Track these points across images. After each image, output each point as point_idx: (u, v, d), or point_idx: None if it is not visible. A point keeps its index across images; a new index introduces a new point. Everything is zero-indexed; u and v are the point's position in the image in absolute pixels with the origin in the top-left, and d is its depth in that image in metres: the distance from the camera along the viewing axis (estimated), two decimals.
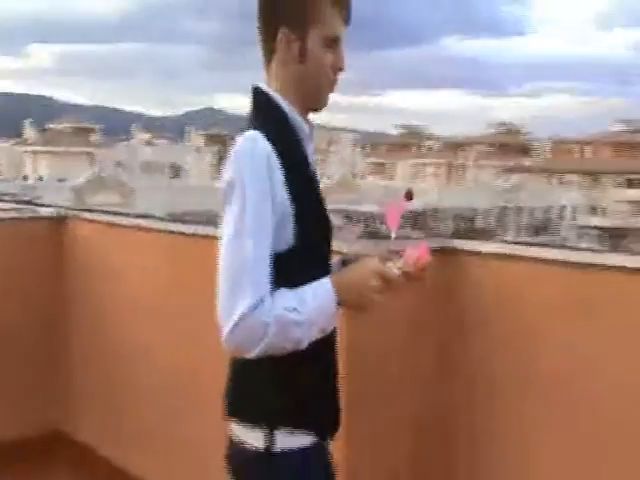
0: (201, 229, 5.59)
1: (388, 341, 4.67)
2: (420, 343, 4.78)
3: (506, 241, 7.37)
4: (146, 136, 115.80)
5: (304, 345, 2.48)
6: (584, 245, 55.32)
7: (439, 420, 4.76)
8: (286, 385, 2.60)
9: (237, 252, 2.42)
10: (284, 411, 2.60)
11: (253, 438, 2.58)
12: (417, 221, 61.53)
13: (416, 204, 62.71)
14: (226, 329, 2.40)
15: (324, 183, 72.57)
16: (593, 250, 5.56)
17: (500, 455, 4.58)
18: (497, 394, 4.59)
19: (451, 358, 4.77)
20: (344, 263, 2.76)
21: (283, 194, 2.48)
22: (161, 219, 7.27)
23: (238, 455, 2.66)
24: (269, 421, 2.58)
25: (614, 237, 66.95)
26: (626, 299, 4.09)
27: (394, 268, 2.59)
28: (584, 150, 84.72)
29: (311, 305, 2.46)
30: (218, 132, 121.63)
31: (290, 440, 2.59)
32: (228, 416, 2.69)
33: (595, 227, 71.03)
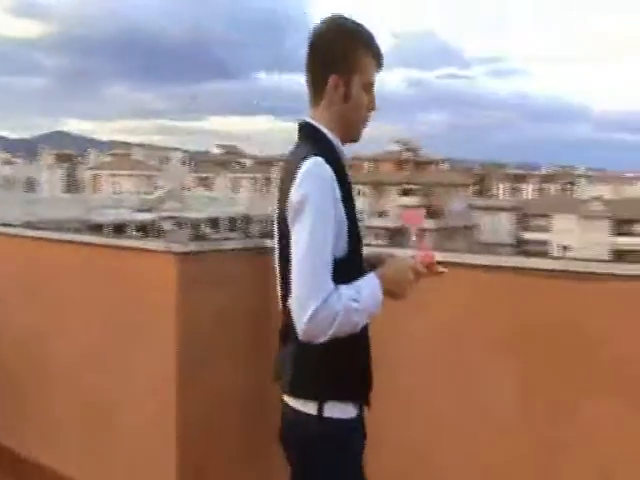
0: (56, 235, 5.74)
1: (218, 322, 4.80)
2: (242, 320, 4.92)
3: None
4: (4, 156, 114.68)
5: (359, 329, 2.58)
6: (372, 242, 58.62)
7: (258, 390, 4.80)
8: (336, 365, 2.67)
9: (309, 258, 2.51)
10: (332, 387, 2.69)
11: (307, 409, 2.67)
12: (235, 225, 63.73)
13: (235, 211, 64.45)
14: (302, 323, 2.49)
15: (156, 194, 73.39)
16: (380, 245, 5.60)
17: None
18: None
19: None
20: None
21: (341, 211, 2.60)
22: (17, 226, 7.03)
23: (298, 423, 2.73)
24: (320, 396, 2.67)
25: (394, 234, 71.27)
26: None
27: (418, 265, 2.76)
28: (372, 165, 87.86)
29: (365, 295, 2.56)
30: (66, 152, 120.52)
31: (337, 411, 2.68)
32: (288, 394, 2.75)
33: (379, 227, 75.27)
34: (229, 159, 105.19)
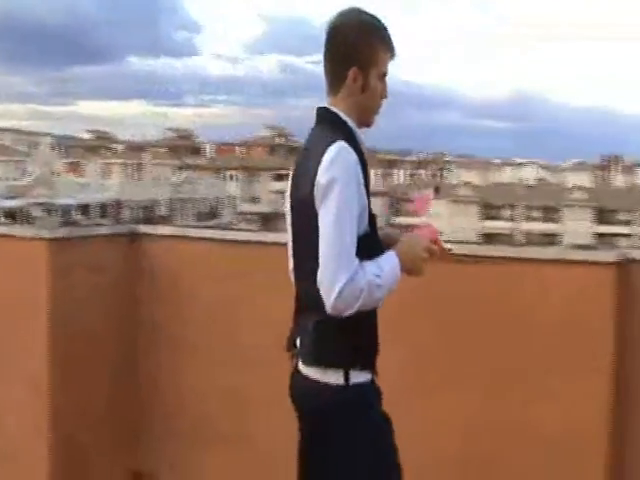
0: None
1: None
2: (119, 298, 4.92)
3: (182, 225, 7.32)
4: None
5: (380, 303, 2.79)
6: (244, 227, 58.75)
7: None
8: (355, 336, 2.82)
9: (336, 237, 2.67)
10: (355, 355, 2.83)
11: (333, 378, 2.80)
12: (106, 211, 62.48)
13: (106, 197, 63.18)
14: (332, 298, 2.65)
15: (25, 180, 71.16)
16: (253, 230, 5.97)
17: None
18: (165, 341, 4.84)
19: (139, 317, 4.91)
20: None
21: (363, 194, 2.77)
22: None
23: (318, 392, 2.85)
24: (345, 363, 2.81)
25: (267, 220, 71.52)
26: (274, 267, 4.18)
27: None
28: (244, 150, 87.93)
29: (387, 272, 2.74)
30: None
31: (359, 376, 2.83)
32: (308, 364, 2.87)
33: (252, 213, 75.35)
34: (100, 144, 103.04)
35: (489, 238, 75.16)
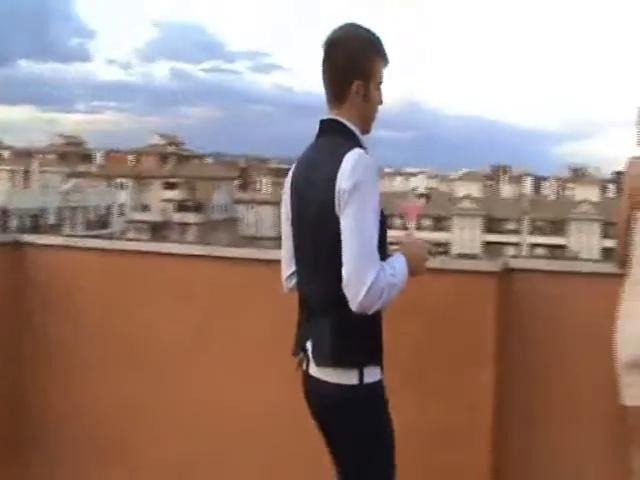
0: None
1: None
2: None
3: (69, 235, 7.87)
4: None
5: (392, 301, 2.90)
6: (131, 236, 57.95)
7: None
8: (368, 335, 2.98)
9: (361, 237, 2.80)
10: (368, 355, 2.98)
11: (348, 377, 2.92)
12: None
13: None
14: (360, 295, 2.76)
15: None
16: (141, 240, 5.98)
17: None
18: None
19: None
20: None
21: (379, 195, 2.93)
22: None
23: (334, 392, 2.95)
24: (361, 363, 2.94)
25: (156, 229, 70.77)
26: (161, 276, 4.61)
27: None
28: (134, 158, 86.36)
29: (399, 273, 2.89)
30: None
31: (372, 375, 2.97)
32: (322, 366, 2.96)
33: (142, 221, 74.25)
34: None
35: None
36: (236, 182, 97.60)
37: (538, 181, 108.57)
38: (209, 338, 4.49)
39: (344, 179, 2.84)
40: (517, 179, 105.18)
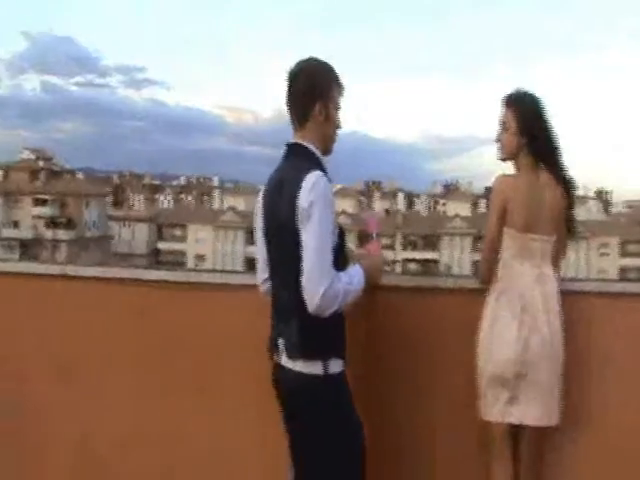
0: None
1: None
2: None
3: None
4: None
5: (350, 305, 3.35)
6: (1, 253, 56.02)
7: None
8: (332, 331, 3.36)
9: (319, 250, 3.21)
10: (333, 347, 3.38)
11: (314, 368, 3.32)
12: None
13: None
14: (315, 300, 3.19)
15: None
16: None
17: None
18: None
19: None
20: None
21: (334, 211, 3.36)
22: None
23: (301, 383, 3.35)
24: (325, 355, 3.34)
25: (27, 246, 68.72)
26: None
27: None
28: (3, 173, 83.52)
29: (356, 281, 3.33)
30: None
31: (336, 366, 3.37)
32: (293, 358, 3.35)
33: (11, 238, 71.87)
34: None
35: (254, 263, 76.12)
36: (109, 198, 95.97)
37: (411, 197, 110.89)
38: (76, 363, 4.48)
39: (303, 198, 3.24)
40: (390, 195, 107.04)
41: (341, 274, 3.30)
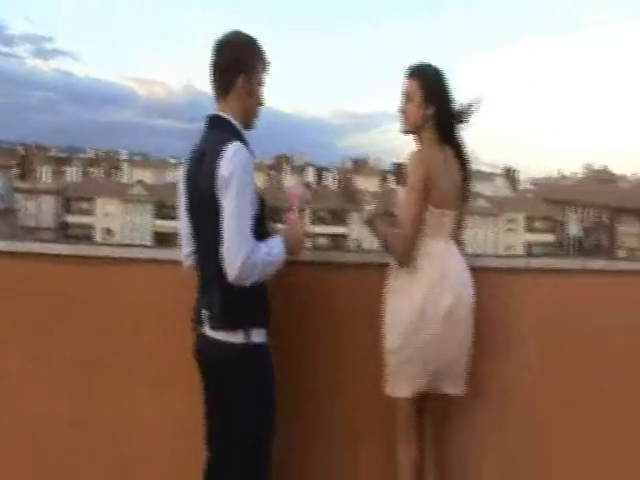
0: None
1: None
2: None
3: None
4: None
5: (270, 276, 3.39)
6: None
7: None
8: (254, 301, 3.41)
9: (236, 219, 3.23)
10: (255, 317, 3.42)
11: (236, 338, 3.37)
12: None
13: None
14: (234, 269, 3.22)
15: None
16: None
17: None
18: None
19: None
20: None
21: (254, 182, 3.37)
22: None
23: (223, 352, 3.39)
24: (247, 325, 3.39)
25: None
26: None
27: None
28: None
29: (275, 251, 3.35)
30: None
31: (258, 336, 3.42)
32: (215, 329, 3.40)
33: None
34: None
35: (162, 237, 75.43)
36: (14, 170, 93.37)
37: (320, 171, 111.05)
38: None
39: (223, 168, 3.26)
40: (299, 169, 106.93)
41: (261, 244, 3.32)
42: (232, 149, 3.29)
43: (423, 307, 3.72)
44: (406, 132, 3.94)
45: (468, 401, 3.95)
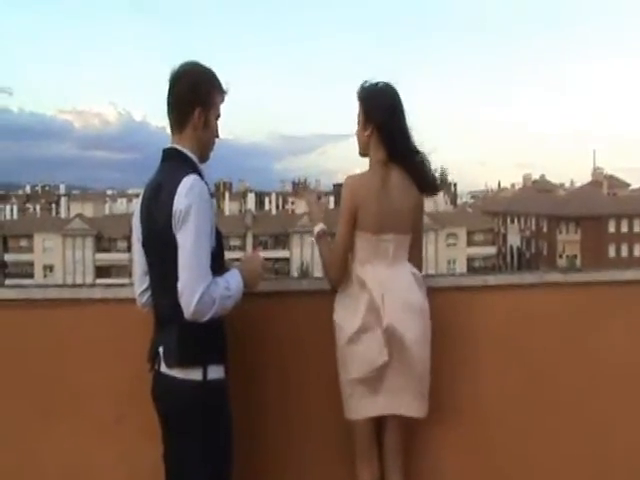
0: None
1: None
2: None
3: None
4: None
5: (229, 310, 3.30)
6: None
7: None
8: (211, 337, 3.32)
9: (195, 254, 3.16)
10: (212, 353, 3.34)
11: (193, 375, 3.27)
12: None
13: None
14: (191, 305, 3.12)
15: None
16: None
17: None
18: None
19: None
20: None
21: (212, 215, 3.30)
22: None
23: (180, 390, 3.30)
24: (204, 361, 3.30)
25: None
26: None
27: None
28: None
29: (234, 286, 3.28)
30: None
31: (215, 372, 3.33)
32: (171, 367, 3.30)
33: None
34: None
35: (104, 271, 74.63)
36: None
37: (261, 196, 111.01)
38: None
39: (179, 202, 3.18)
40: (240, 196, 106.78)
41: (218, 279, 3.24)
42: (188, 182, 3.22)
43: (360, 333, 3.70)
44: (361, 155, 3.90)
45: (430, 418, 3.88)
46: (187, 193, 3.19)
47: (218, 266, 3.33)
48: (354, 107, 3.90)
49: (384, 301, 3.69)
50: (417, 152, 3.82)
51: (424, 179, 3.83)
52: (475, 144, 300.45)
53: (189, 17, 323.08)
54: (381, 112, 3.79)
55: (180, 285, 3.16)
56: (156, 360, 3.40)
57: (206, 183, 3.33)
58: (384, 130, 3.78)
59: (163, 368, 3.34)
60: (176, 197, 3.19)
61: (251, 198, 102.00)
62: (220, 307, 3.21)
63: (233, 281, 3.31)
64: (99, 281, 59.29)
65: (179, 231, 3.19)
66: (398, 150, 3.79)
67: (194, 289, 3.13)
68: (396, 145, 3.79)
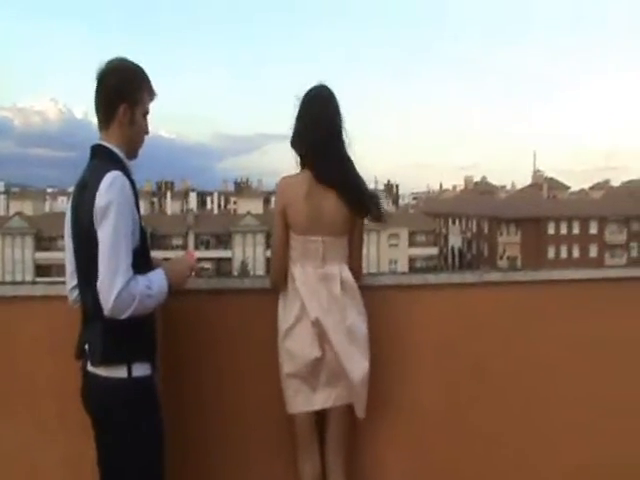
0: None
1: None
2: None
3: None
4: None
5: (151, 310, 3.27)
6: None
7: None
8: (136, 335, 3.27)
9: (114, 250, 3.11)
10: (138, 351, 3.29)
11: (117, 373, 3.23)
12: None
13: None
14: (110, 301, 3.08)
15: None
16: None
17: None
18: None
19: None
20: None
21: (135, 212, 3.25)
22: None
23: (105, 388, 3.26)
24: (129, 359, 3.25)
25: None
26: None
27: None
28: None
29: (156, 285, 3.22)
30: None
31: (141, 370, 3.28)
32: (95, 365, 3.26)
33: None
34: None
35: (44, 270, 73.49)
36: None
37: (203, 196, 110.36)
38: None
39: (99, 198, 3.15)
40: (182, 195, 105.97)
41: (139, 277, 3.19)
42: (109, 178, 3.18)
43: (293, 329, 3.74)
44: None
45: (371, 415, 3.88)
46: (107, 189, 3.16)
47: (142, 264, 3.30)
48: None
49: (315, 302, 3.71)
50: (349, 179, 3.77)
51: (344, 183, 3.76)
52: (416, 146, 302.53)
53: (141, 14, 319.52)
54: (303, 117, 3.79)
55: (99, 281, 3.13)
56: (83, 357, 3.37)
57: (132, 180, 3.30)
58: (301, 135, 3.79)
59: (89, 367, 3.32)
60: (97, 194, 3.17)
61: (193, 197, 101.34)
62: (140, 305, 3.16)
63: (156, 280, 3.27)
64: (39, 279, 58.26)
65: (99, 227, 3.17)
66: (315, 155, 3.77)
67: (112, 285, 3.10)
68: (312, 150, 3.77)
